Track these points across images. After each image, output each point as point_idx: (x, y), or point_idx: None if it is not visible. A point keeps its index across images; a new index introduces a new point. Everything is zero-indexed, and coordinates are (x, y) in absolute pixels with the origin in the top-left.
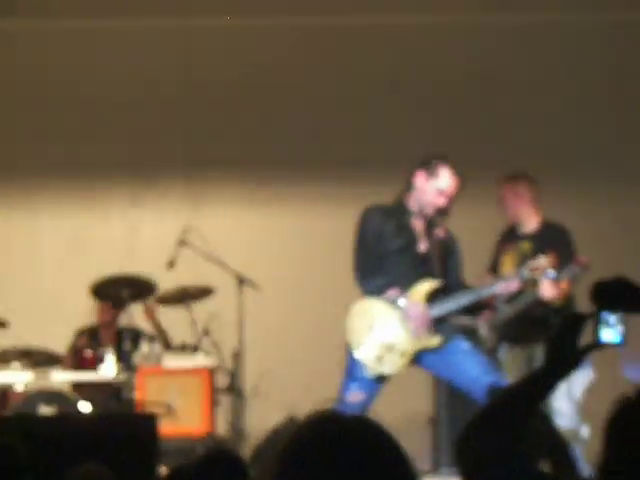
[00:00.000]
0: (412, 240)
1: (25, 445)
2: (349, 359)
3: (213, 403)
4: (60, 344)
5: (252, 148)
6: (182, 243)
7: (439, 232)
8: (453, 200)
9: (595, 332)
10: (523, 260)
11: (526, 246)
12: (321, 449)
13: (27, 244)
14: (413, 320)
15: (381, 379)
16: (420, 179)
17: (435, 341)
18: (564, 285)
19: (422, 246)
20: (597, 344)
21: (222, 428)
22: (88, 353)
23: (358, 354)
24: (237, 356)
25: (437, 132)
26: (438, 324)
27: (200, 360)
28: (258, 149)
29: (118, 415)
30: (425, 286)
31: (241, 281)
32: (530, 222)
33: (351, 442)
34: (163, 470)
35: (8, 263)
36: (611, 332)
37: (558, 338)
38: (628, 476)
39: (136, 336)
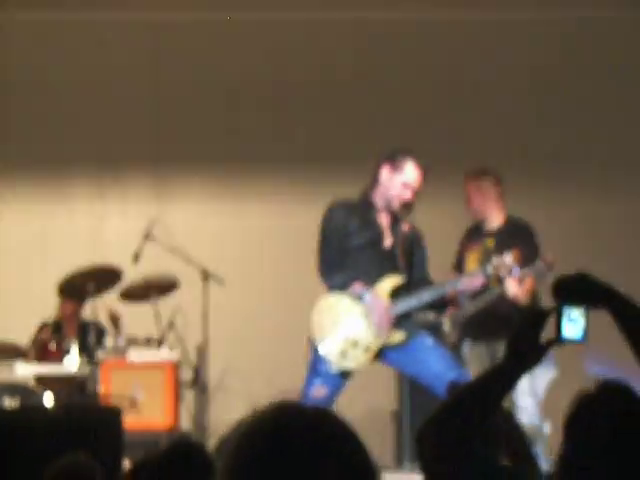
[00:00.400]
0: (377, 236)
1: None
2: (313, 354)
3: (177, 397)
4: (25, 337)
5: (219, 144)
6: (147, 237)
7: (404, 227)
8: (416, 194)
9: (557, 328)
10: (487, 257)
11: (490, 243)
12: (280, 438)
13: None
14: (377, 316)
15: (345, 374)
16: (385, 173)
17: (399, 337)
18: (528, 283)
19: (387, 241)
20: (559, 340)
21: (186, 422)
22: (52, 346)
23: (322, 349)
24: (201, 350)
25: (404, 129)
26: (402, 320)
27: (164, 354)
28: (225, 145)
29: (82, 408)
30: (389, 282)
31: (206, 276)
32: (494, 219)
33: (311, 432)
34: (126, 463)
35: None
36: (573, 328)
37: (520, 333)
38: (586, 470)
39: (100, 330)
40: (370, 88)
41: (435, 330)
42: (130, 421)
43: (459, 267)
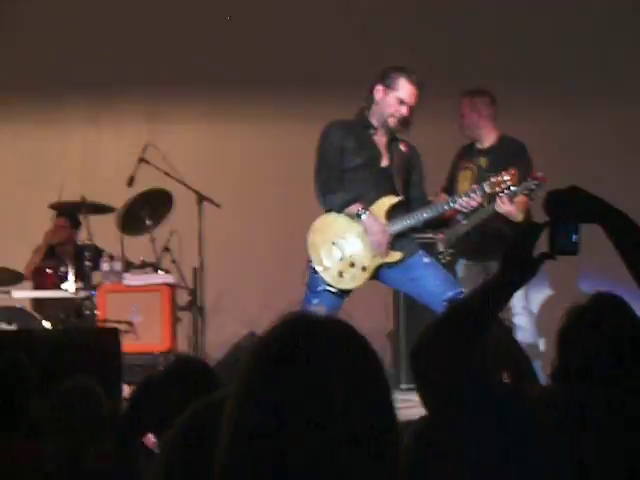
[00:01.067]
0: (374, 155)
1: None
2: (310, 274)
3: (174, 320)
4: (21, 263)
5: (212, 67)
6: (142, 161)
7: (402, 147)
8: (413, 110)
9: (550, 242)
10: (480, 175)
11: (483, 162)
12: (296, 344)
13: None
14: (374, 235)
15: (343, 294)
16: (379, 92)
17: (396, 256)
18: (521, 200)
19: (384, 161)
20: (552, 253)
21: (183, 345)
22: (49, 271)
23: (319, 269)
24: (197, 273)
25: (399, 48)
26: (399, 238)
27: (161, 277)
28: (218, 68)
29: (81, 329)
30: (386, 202)
31: (201, 199)
32: (488, 138)
33: (325, 339)
34: (126, 389)
35: None
36: (566, 241)
37: (514, 247)
38: (578, 380)
39: (96, 253)
40: (366, 6)
41: (429, 249)
42: (128, 344)
43: (451, 186)
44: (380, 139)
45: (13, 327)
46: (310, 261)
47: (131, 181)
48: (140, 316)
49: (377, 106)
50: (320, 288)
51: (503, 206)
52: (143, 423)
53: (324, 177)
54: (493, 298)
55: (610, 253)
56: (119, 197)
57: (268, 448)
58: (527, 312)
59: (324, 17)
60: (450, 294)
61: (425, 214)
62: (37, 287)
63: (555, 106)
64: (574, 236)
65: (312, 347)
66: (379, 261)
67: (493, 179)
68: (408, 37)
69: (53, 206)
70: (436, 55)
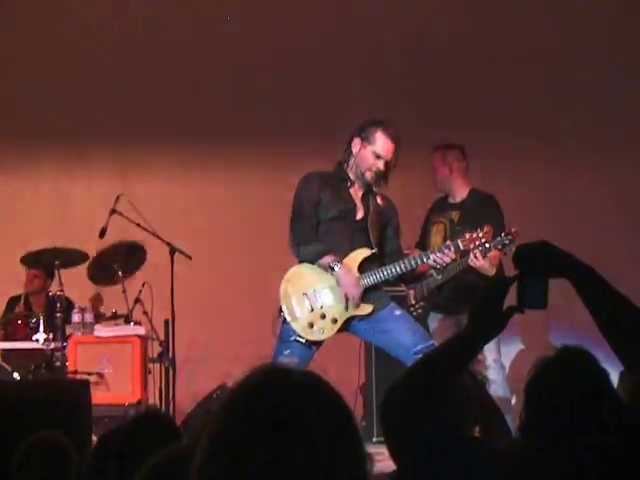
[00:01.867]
0: (349, 208)
1: None
2: (282, 324)
3: (145, 371)
4: None
5: (184, 119)
6: (114, 212)
7: (378, 200)
8: (391, 165)
9: (518, 295)
10: (451, 229)
11: (455, 216)
12: (267, 399)
13: None
14: (346, 288)
15: (313, 344)
16: (356, 145)
17: (367, 309)
18: (494, 254)
19: (359, 214)
20: (520, 307)
21: (154, 396)
22: (19, 322)
23: (289, 319)
24: (168, 325)
25: (373, 100)
26: (371, 291)
27: (131, 329)
28: (190, 120)
29: (50, 381)
30: (359, 254)
31: (172, 250)
32: (459, 192)
33: (299, 394)
34: (94, 440)
35: None
36: (534, 296)
37: (482, 301)
38: (545, 431)
39: (67, 305)
40: (341, 60)
41: (401, 302)
42: (98, 395)
43: (424, 240)
44: (356, 192)
45: None
46: (282, 311)
47: (103, 232)
48: (111, 368)
49: (354, 159)
50: (292, 338)
51: (476, 261)
52: (106, 474)
53: (298, 228)
54: (462, 351)
55: (580, 307)
56: (91, 248)
57: None
58: (499, 365)
59: (297, 68)
60: (420, 347)
61: (398, 268)
62: (7, 338)
63: (536, 157)
64: (543, 290)
65: (283, 400)
66: (350, 313)
67: (467, 235)
68: (384, 86)
69: (23, 259)
70: (411, 104)
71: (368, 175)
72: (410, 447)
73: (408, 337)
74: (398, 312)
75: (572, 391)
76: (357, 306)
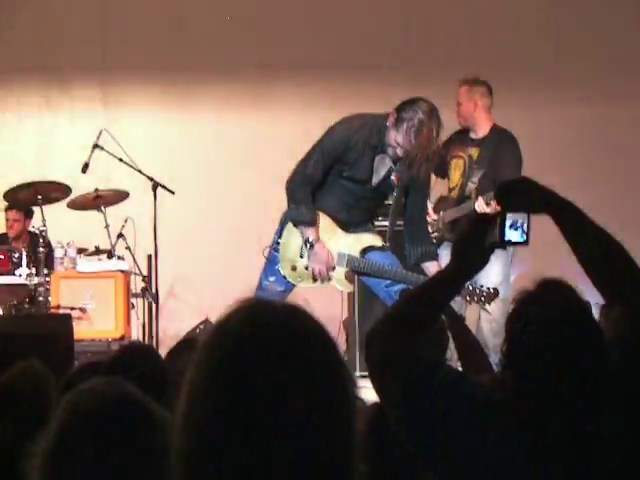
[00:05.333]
0: (365, 178)
1: None
2: (272, 249)
3: (128, 306)
4: None
5: (167, 52)
6: (96, 147)
7: (395, 178)
8: (414, 157)
9: (500, 231)
10: (470, 166)
11: (474, 152)
12: (251, 334)
13: None
14: (312, 264)
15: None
16: (391, 119)
17: (347, 288)
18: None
19: (375, 181)
20: (501, 242)
21: (137, 331)
22: (1, 257)
23: (281, 252)
24: (151, 260)
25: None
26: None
27: (114, 264)
28: (173, 53)
29: (31, 315)
30: (366, 240)
31: (155, 185)
32: (481, 128)
33: (282, 328)
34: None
35: None
36: (515, 231)
37: (464, 237)
38: (525, 365)
39: (50, 240)
40: None
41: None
42: (81, 330)
43: (443, 173)
44: (384, 159)
45: None
46: (280, 238)
47: (85, 167)
48: (94, 302)
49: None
50: (277, 266)
51: (479, 208)
52: None
53: (299, 182)
54: (444, 287)
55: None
56: (74, 183)
57: (224, 445)
58: (502, 304)
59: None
60: (399, 287)
61: (392, 274)
62: None
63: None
64: (525, 226)
65: (268, 338)
66: (319, 285)
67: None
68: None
69: (6, 195)
70: (435, 40)
71: (390, 151)
72: (394, 382)
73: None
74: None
75: (553, 325)
76: (323, 281)
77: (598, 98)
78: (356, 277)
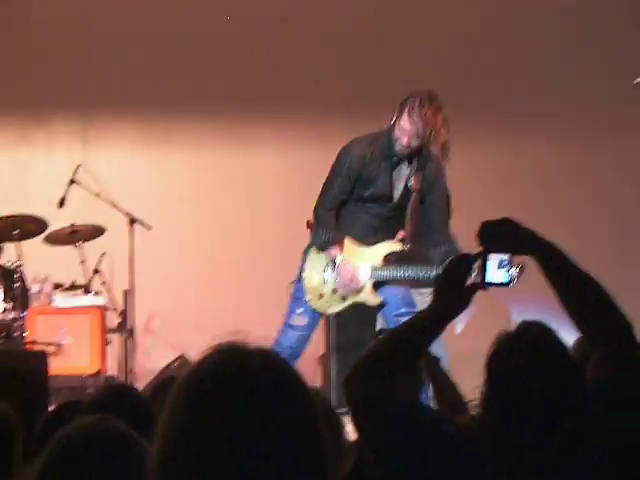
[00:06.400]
0: (384, 192)
1: None
2: (297, 282)
3: (104, 342)
4: None
5: (144, 87)
6: (73, 182)
7: (413, 182)
8: (420, 141)
9: (482, 273)
10: None
11: None
12: (225, 379)
13: None
14: (338, 284)
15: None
16: (394, 115)
17: (376, 300)
18: None
19: (396, 197)
20: (484, 284)
21: (113, 367)
22: None
23: (305, 282)
24: (128, 295)
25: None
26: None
27: (91, 299)
28: (150, 88)
29: (7, 351)
30: (384, 249)
31: (132, 221)
32: None
33: (257, 374)
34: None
35: None
36: (498, 273)
37: (445, 278)
38: (505, 406)
39: (23, 276)
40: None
41: None
42: (57, 366)
43: None
44: (401, 170)
45: None
46: (302, 269)
47: (62, 202)
48: (69, 338)
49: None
50: (305, 298)
51: None
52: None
53: (321, 205)
54: (425, 329)
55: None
56: (51, 218)
57: None
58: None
59: (256, 35)
60: (404, 310)
61: (409, 273)
62: None
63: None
64: (508, 267)
65: (244, 381)
66: (349, 302)
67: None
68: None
69: None
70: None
71: (397, 146)
72: (373, 421)
73: (395, 300)
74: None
75: (532, 366)
76: (354, 294)
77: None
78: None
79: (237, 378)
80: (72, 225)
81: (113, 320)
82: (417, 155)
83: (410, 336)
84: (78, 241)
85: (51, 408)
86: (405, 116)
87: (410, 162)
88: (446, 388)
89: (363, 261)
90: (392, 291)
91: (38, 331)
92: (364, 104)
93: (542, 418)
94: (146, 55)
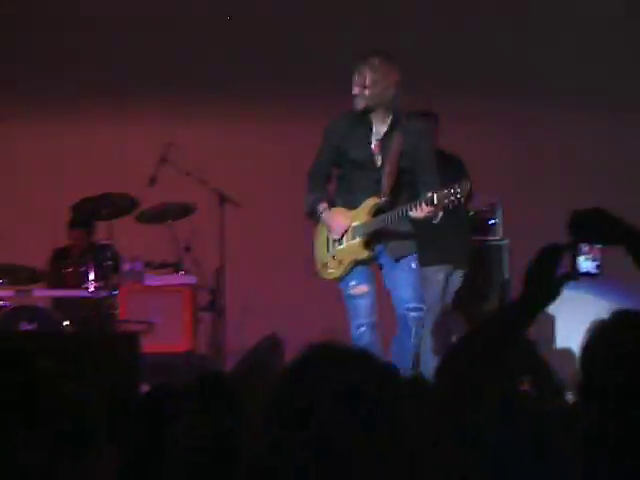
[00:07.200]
0: (367, 157)
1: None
2: None
3: (194, 320)
4: (42, 262)
5: (235, 66)
6: (164, 160)
7: (394, 143)
8: (365, 91)
9: (572, 263)
10: None
11: None
12: (318, 385)
13: (7, 161)
14: (331, 227)
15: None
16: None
17: (363, 254)
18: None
19: (379, 161)
20: (575, 274)
21: (203, 345)
22: (69, 270)
23: (315, 257)
24: (218, 274)
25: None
26: (394, 238)
27: (181, 278)
28: (242, 67)
29: (100, 332)
30: (367, 205)
31: (222, 198)
32: None
33: (351, 378)
34: (145, 388)
35: None
36: (588, 263)
37: (535, 269)
38: (602, 397)
39: (117, 253)
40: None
41: None
42: (147, 344)
43: None
44: (379, 131)
45: (33, 326)
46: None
47: (153, 180)
48: (160, 316)
49: None
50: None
51: (418, 213)
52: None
53: (309, 174)
54: (516, 320)
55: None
56: (142, 197)
57: None
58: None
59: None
60: (413, 305)
61: (388, 217)
62: (57, 286)
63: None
64: (597, 257)
65: (343, 378)
66: (351, 256)
67: (445, 191)
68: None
69: (74, 208)
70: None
71: (357, 101)
72: (483, 405)
73: (409, 292)
74: (414, 265)
75: (630, 356)
76: (337, 238)
77: None
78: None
79: (333, 378)
80: (163, 203)
81: (204, 298)
82: (394, 116)
83: (502, 326)
84: (169, 219)
85: (142, 386)
86: (359, 75)
87: (389, 125)
88: (544, 376)
89: (350, 221)
90: (404, 283)
91: (129, 309)
92: None
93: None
94: (235, 35)
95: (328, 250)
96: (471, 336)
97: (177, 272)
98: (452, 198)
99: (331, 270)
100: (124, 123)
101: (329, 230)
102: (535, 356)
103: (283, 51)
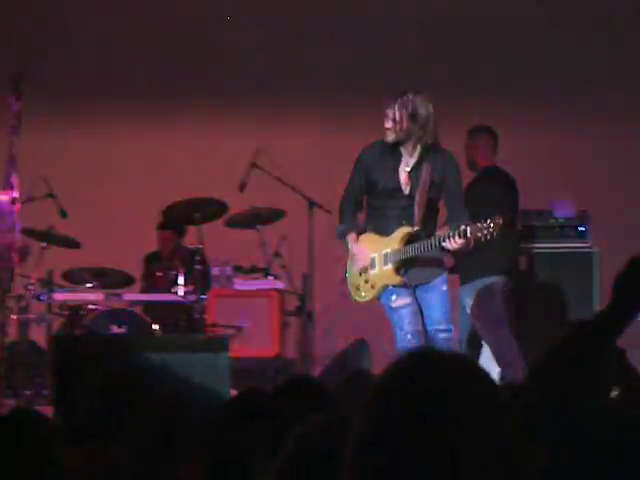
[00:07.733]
0: (394, 186)
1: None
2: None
3: (282, 325)
4: (132, 266)
5: (328, 72)
6: (254, 165)
7: (423, 172)
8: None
9: None
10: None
11: None
12: (420, 391)
13: (101, 165)
14: (356, 261)
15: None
16: None
17: (396, 280)
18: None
19: (407, 189)
20: None
21: (291, 350)
22: (159, 274)
23: (347, 278)
24: (307, 279)
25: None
26: (424, 262)
27: (270, 283)
28: (334, 74)
29: (188, 338)
30: (399, 233)
31: (312, 204)
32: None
33: (452, 383)
34: (232, 393)
35: (81, 184)
36: None
37: (624, 277)
38: None
39: (205, 258)
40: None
41: None
42: (236, 348)
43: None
44: (407, 163)
45: (123, 330)
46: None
47: (243, 186)
48: (249, 321)
49: None
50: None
51: (452, 245)
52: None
53: (341, 203)
54: (607, 329)
55: None
56: (231, 201)
57: None
58: None
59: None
60: (442, 327)
61: (420, 246)
62: (148, 291)
63: None
64: None
65: (439, 391)
66: (382, 281)
67: (478, 224)
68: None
69: (164, 212)
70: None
71: (389, 135)
72: (565, 409)
73: (438, 314)
74: (444, 287)
75: None
76: (364, 271)
77: None
78: None
79: (433, 385)
80: (253, 208)
81: (292, 303)
82: (423, 148)
83: (593, 334)
84: (258, 224)
85: (231, 391)
86: (390, 111)
87: (418, 157)
88: (633, 384)
89: (381, 248)
90: (434, 304)
91: (218, 314)
92: None
93: None
94: (334, 42)
95: (361, 274)
96: (565, 341)
97: (266, 277)
98: (485, 232)
99: (363, 293)
100: (218, 127)
101: (353, 260)
102: (624, 365)
103: (379, 59)
